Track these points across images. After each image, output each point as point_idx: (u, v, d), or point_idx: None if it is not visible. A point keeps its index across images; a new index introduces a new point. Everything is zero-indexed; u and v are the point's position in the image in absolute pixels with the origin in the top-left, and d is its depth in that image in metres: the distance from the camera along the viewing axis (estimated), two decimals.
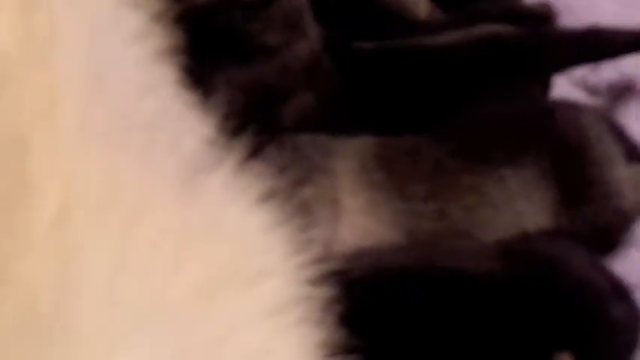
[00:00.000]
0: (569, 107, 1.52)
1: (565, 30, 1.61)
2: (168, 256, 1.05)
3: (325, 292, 1.18)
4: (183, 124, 1.24)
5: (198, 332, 1.04)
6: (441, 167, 1.45)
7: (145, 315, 1.00)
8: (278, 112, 1.47)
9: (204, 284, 1.07)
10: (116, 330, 0.97)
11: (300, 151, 1.42)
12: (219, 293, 1.08)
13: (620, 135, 1.49)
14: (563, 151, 1.46)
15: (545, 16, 1.60)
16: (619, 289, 1.41)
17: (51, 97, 1.04)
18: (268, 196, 1.18)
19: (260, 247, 1.16)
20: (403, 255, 1.41)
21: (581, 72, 1.60)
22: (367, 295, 1.35)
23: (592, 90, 1.61)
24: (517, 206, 1.44)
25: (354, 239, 1.42)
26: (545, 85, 1.55)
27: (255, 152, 1.21)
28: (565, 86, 1.59)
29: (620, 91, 1.61)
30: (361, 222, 1.43)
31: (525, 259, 1.41)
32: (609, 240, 1.49)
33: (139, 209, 1.06)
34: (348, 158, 1.45)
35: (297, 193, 1.27)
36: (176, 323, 1.02)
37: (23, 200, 0.98)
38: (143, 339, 0.99)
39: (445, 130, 1.48)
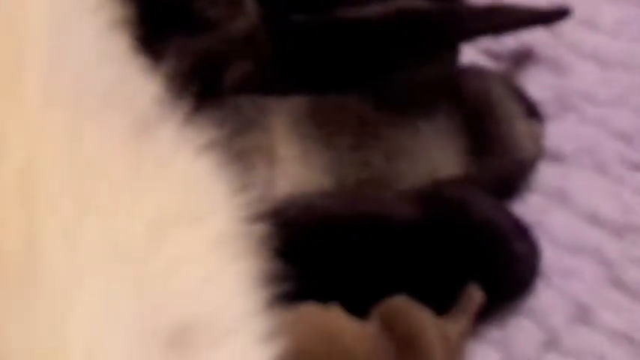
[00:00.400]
0: (477, 71, 1.55)
1: (472, 5, 1.63)
2: (124, 199, 1.06)
3: (261, 229, 1.19)
4: (135, 86, 1.23)
5: (151, 265, 1.05)
6: (364, 121, 1.47)
7: (104, 253, 1.01)
8: (221, 77, 1.49)
9: (156, 223, 1.08)
10: (78, 267, 0.98)
11: (240, 109, 1.45)
12: (170, 231, 1.09)
13: (519, 95, 1.53)
14: (472, 109, 1.48)
15: None
16: (520, 228, 1.45)
17: (16, 63, 1.05)
18: (211, 146, 1.19)
19: (204, 190, 1.18)
20: (331, 200, 1.43)
21: (486, 41, 1.63)
22: (299, 233, 1.37)
23: (495, 57, 1.64)
24: (431, 156, 1.47)
25: (288, 186, 1.44)
26: (456, 53, 1.58)
27: (199, 109, 1.22)
28: (472, 54, 1.62)
29: (519, 58, 1.64)
30: (294, 170, 1.45)
31: (439, 203, 1.43)
32: (511, 185, 1.52)
33: (98, 160, 1.06)
34: (282, 115, 1.47)
35: (237, 145, 1.33)
36: (132, 259, 1.03)
37: None
38: (103, 274, 0.99)
39: (368, 89, 1.50)
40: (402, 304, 1.36)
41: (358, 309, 1.36)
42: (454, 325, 1.37)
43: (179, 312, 1.05)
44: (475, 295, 1.39)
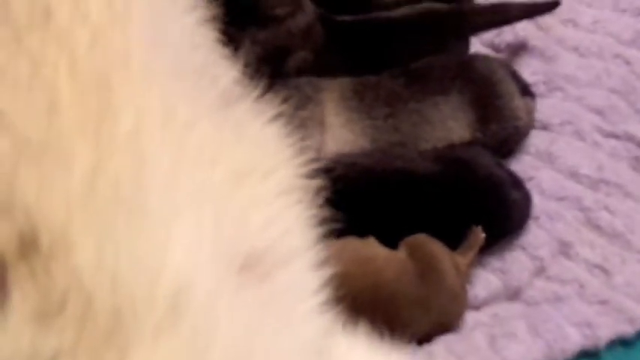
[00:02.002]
0: (483, 58, 1.55)
1: (477, 5, 1.63)
2: (209, 155, 1.07)
3: (316, 182, 1.21)
4: (219, 70, 1.24)
5: (230, 206, 1.06)
6: (395, 96, 1.48)
7: (193, 194, 1.01)
8: (285, 62, 1.50)
9: (235, 174, 1.09)
10: (174, 204, 0.99)
11: (299, 87, 1.46)
12: (245, 181, 1.10)
13: (516, 77, 1.52)
14: (478, 87, 1.48)
15: None
16: (516, 180, 1.46)
17: (126, 50, 1.05)
18: (277, 117, 1.21)
19: (272, 151, 1.18)
20: (369, 158, 1.44)
21: (489, 35, 1.63)
22: (345, 185, 1.37)
23: (496, 48, 1.64)
24: (447, 124, 1.47)
25: (336, 147, 1.45)
26: (466, 44, 1.58)
27: (268, 88, 1.23)
28: (479, 46, 1.62)
29: (516, 49, 1.63)
30: (341, 134, 1.46)
31: (453, 161, 1.44)
32: (509, 147, 1.52)
33: (189, 125, 1.07)
34: (332, 92, 1.48)
35: (297, 115, 1.34)
36: (215, 200, 1.04)
37: (108, 117, 0.98)
38: (192, 210, 1.00)
39: (398, 71, 1.50)
40: (423, 238, 1.38)
41: (389, 243, 1.38)
42: (463, 257, 1.38)
43: (251, 243, 1.06)
44: (478, 234, 1.39)
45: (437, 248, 1.37)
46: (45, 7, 1.01)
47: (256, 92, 1.21)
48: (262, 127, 1.19)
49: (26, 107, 0.95)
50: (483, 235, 1.39)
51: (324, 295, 1.10)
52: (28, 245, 0.88)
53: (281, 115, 1.21)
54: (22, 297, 0.86)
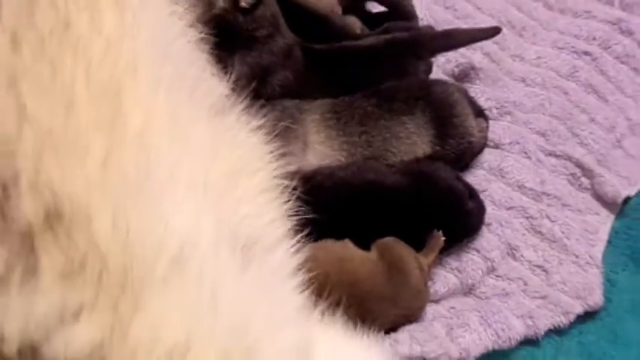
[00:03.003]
0: (442, 83, 1.53)
1: (434, 31, 1.62)
2: (207, 155, 1.08)
3: (293, 184, 1.21)
4: (211, 84, 1.25)
5: (225, 200, 1.07)
6: (368, 115, 1.46)
7: (194, 185, 1.02)
8: (269, 81, 1.47)
9: (227, 172, 1.10)
10: (177, 191, 1.00)
11: (285, 109, 1.44)
12: (235, 178, 1.11)
13: (471, 101, 1.51)
14: (439, 107, 1.46)
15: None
16: (471, 192, 1.44)
17: (134, 61, 1.05)
18: (261, 127, 1.21)
19: (257, 155, 1.19)
20: (345, 170, 1.42)
21: (450, 66, 1.61)
22: (323, 193, 1.37)
23: (456, 77, 1.62)
24: (412, 139, 1.45)
25: (315, 160, 1.43)
26: (427, 65, 1.56)
27: (257, 106, 1.24)
28: (440, 74, 1.60)
29: (472, 77, 1.62)
30: (321, 150, 1.44)
31: (417, 173, 1.42)
32: (465, 162, 1.51)
33: (189, 128, 1.08)
34: (313, 112, 1.46)
35: (283, 134, 1.30)
36: (213, 193, 1.05)
37: (119, 119, 0.99)
38: (193, 199, 1.01)
39: (369, 93, 1.48)
40: (392, 241, 1.36)
41: (362, 244, 1.36)
42: (425, 258, 1.37)
43: (246, 229, 1.07)
44: (439, 238, 1.38)
45: (404, 251, 1.35)
46: (65, 18, 1.02)
47: (243, 105, 1.21)
48: (248, 135, 1.19)
49: (48, 104, 0.95)
50: (443, 238, 1.38)
51: (301, 277, 1.11)
52: (53, 217, 0.90)
53: (264, 126, 1.21)
54: (49, 261, 0.88)
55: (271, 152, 1.21)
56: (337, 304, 1.17)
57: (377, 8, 1.66)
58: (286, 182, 1.20)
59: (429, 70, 1.56)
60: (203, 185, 1.04)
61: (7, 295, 0.86)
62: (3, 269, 0.87)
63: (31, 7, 1.01)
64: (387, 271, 1.33)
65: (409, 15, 1.62)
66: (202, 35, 1.28)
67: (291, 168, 1.25)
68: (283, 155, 1.22)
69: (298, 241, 1.16)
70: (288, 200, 1.19)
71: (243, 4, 1.45)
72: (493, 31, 1.58)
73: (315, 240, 1.25)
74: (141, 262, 0.91)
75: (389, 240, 1.36)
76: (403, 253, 1.35)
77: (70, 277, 0.88)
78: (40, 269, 0.87)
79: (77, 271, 0.88)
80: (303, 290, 1.12)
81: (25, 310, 0.86)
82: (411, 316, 1.37)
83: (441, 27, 1.65)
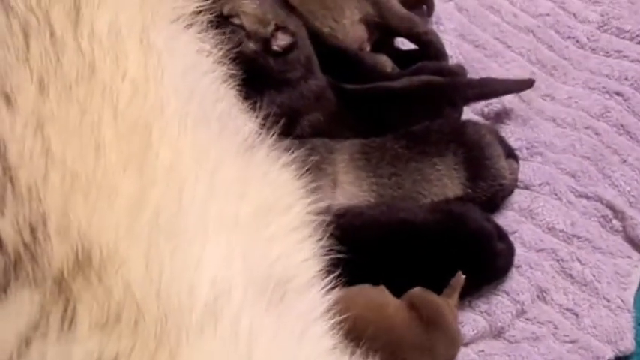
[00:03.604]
0: (473, 124, 1.50)
1: (469, 79, 1.60)
2: (236, 192, 1.07)
3: (326, 220, 1.20)
4: (240, 121, 1.24)
5: (255, 238, 1.06)
6: (398, 157, 1.43)
7: (224, 224, 1.02)
8: (299, 122, 1.45)
9: (258, 210, 1.08)
10: (208, 231, 0.99)
11: (315, 148, 1.41)
12: (266, 216, 1.10)
13: (502, 141, 1.48)
14: (470, 149, 1.44)
15: (459, 72, 1.59)
16: (501, 233, 1.42)
17: (161, 101, 1.06)
18: (291, 163, 1.20)
19: (287, 191, 1.17)
20: (375, 210, 1.40)
21: (480, 105, 1.58)
22: (353, 232, 1.34)
23: (486, 116, 1.59)
24: (443, 182, 1.43)
25: (345, 200, 1.41)
26: (459, 111, 1.54)
27: (286, 145, 1.24)
28: (470, 114, 1.57)
29: (502, 118, 1.59)
30: (350, 190, 1.42)
31: (447, 214, 1.40)
32: (496, 204, 1.48)
33: (219, 164, 1.07)
34: (343, 153, 1.43)
35: (312, 174, 1.27)
36: (243, 232, 1.04)
37: (148, 157, 0.99)
38: (223, 237, 1.00)
39: (400, 134, 1.46)
40: (423, 292, 1.33)
41: (390, 283, 1.33)
42: (451, 299, 1.34)
43: (278, 269, 1.05)
44: (460, 277, 1.34)
45: (438, 301, 1.32)
46: (90, 63, 1.04)
47: (272, 141, 1.21)
48: (279, 170, 1.18)
49: (75, 147, 0.96)
50: (464, 277, 1.34)
51: (333, 318, 1.10)
52: (83, 261, 0.90)
53: (294, 162, 1.20)
54: (85, 308, 0.88)
55: (303, 188, 1.19)
56: (373, 350, 1.16)
57: (407, 46, 1.64)
58: (319, 219, 1.19)
59: (460, 112, 1.54)
60: (233, 225, 1.03)
61: (45, 342, 0.86)
62: (38, 315, 0.87)
63: (57, 52, 1.03)
64: (424, 323, 1.30)
65: (439, 54, 1.59)
66: (230, 72, 1.27)
67: (323, 204, 1.23)
68: (314, 191, 1.21)
69: (330, 281, 1.14)
70: (321, 238, 1.18)
71: (275, 48, 1.43)
72: (528, 84, 1.56)
73: (346, 280, 1.22)
74: (176, 309, 0.90)
75: (420, 291, 1.33)
76: (439, 304, 1.32)
77: (106, 327, 0.87)
78: (76, 316, 0.87)
79: (114, 318, 0.88)
80: (335, 331, 1.10)
81: (63, 358, 0.85)
82: None
83: (470, 65, 1.63)
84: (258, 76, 1.41)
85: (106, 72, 1.04)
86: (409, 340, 1.29)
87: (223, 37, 1.30)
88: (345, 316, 1.13)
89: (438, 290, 1.34)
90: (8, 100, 0.98)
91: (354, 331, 1.16)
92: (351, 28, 1.57)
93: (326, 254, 1.18)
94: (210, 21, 1.30)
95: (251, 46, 1.42)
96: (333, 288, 1.14)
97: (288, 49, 1.44)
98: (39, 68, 1.01)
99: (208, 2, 1.30)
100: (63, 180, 0.93)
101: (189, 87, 1.14)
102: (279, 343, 0.98)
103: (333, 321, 1.10)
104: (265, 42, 1.43)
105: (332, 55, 1.53)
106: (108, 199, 0.94)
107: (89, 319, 0.87)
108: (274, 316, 1.00)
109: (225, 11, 1.41)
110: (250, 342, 0.93)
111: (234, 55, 1.32)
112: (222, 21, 1.38)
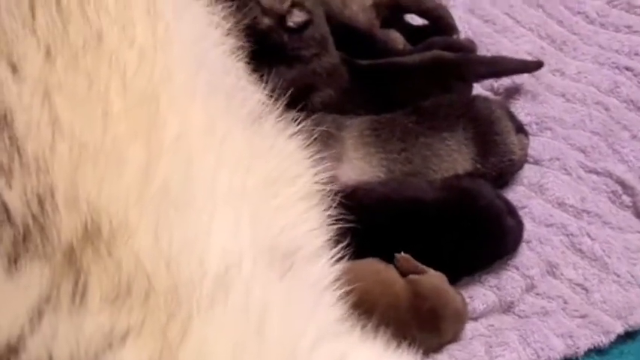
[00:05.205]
0: (483, 99, 1.48)
1: (480, 56, 1.59)
2: (244, 163, 1.05)
3: (332, 189, 1.19)
4: (248, 92, 1.23)
5: (263, 209, 1.05)
6: (408, 132, 1.42)
7: (232, 195, 1.00)
8: (310, 98, 1.44)
9: (265, 180, 1.07)
10: (216, 201, 0.97)
11: (324, 124, 1.37)
12: (274, 186, 1.09)
13: (511, 116, 1.47)
14: (480, 124, 1.42)
15: (469, 47, 1.59)
16: (511, 209, 1.40)
17: (170, 71, 1.04)
18: (298, 133, 1.19)
19: (294, 160, 1.16)
20: (385, 186, 1.39)
21: (489, 80, 1.57)
22: (364, 208, 1.33)
23: (495, 91, 1.58)
24: (452, 157, 1.41)
25: (355, 177, 1.39)
26: (470, 87, 1.53)
27: (295, 119, 1.22)
28: (480, 89, 1.56)
29: (512, 93, 1.57)
30: (360, 165, 1.40)
31: (457, 190, 1.38)
32: (505, 179, 1.46)
33: (226, 135, 1.05)
34: (352, 129, 1.41)
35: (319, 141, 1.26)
36: (250, 202, 1.02)
37: (157, 126, 0.98)
38: (231, 208, 0.99)
39: (410, 110, 1.44)
40: (424, 280, 1.32)
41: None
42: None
43: (286, 239, 1.05)
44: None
45: (439, 283, 1.32)
46: (97, 32, 1.03)
47: (280, 112, 1.20)
48: (286, 141, 1.17)
49: (83, 117, 0.95)
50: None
51: (341, 288, 1.09)
52: (92, 232, 0.88)
53: (302, 133, 1.20)
54: (96, 281, 0.86)
55: (310, 157, 1.18)
56: (383, 325, 1.14)
57: (417, 21, 1.63)
58: (327, 188, 1.18)
59: (470, 88, 1.53)
60: (241, 195, 1.01)
61: (56, 316, 0.84)
62: (49, 288, 0.85)
63: (63, 21, 1.02)
64: (428, 308, 1.30)
65: (450, 28, 1.59)
66: (239, 44, 1.27)
67: (331, 173, 1.22)
68: (322, 160, 1.20)
69: (338, 252, 1.13)
70: (329, 208, 1.17)
71: (290, 24, 1.42)
72: (536, 65, 1.55)
73: (355, 252, 1.20)
74: (186, 281, 0.89)
75: (418, 280, 1.31)
76: (440, 289, 1.31)
77: (116, 300, 0.86)
78: (87, 290, 0.86)
79: (124, 291, 0.87)
80: (343, 302, 1.10)
81: (75, 332, 0.84)
82: (452, 339, 1.33)
83: (479, 40, 1.62)
84: (269, 50, 1.40)
85: (113, 41, 1.02)
86: (414, 322, 1.29)
87: (232, 9, 1.29)
88: (352, 287, 1.12)
89: (446, 265, 1.33)
90: (15, 68, 0.97)
91: (360, 304, 1.15)
92: (361, 12, 1.55)
93: (334, 224, 1.17)
94: None
95: (266, 21, 1.41)
96: (340, 259, 1.13)
97: (304, 26, 1.43)
98: (45, 37, 0.99)
99: None
100: (71, 150, 0.91)
101: (197, 58, 1.13)
102: (290, 313, 0.96)
103: (341, 291, 1.09)
104: (281, 18, 1.42)
105: (344, 32, 1.52)
106: (116, 169, 0.92)
107: (100, 293, 0.86)
108: (284, 287, 0.99)
109: None
110: (262, 313, 0.91)
111: (245, 28, 1.31)
112: None
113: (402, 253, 1.32)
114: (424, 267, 1.32)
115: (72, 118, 0.93)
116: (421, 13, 1.60)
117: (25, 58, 0.97)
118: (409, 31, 1.60)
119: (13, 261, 0.86)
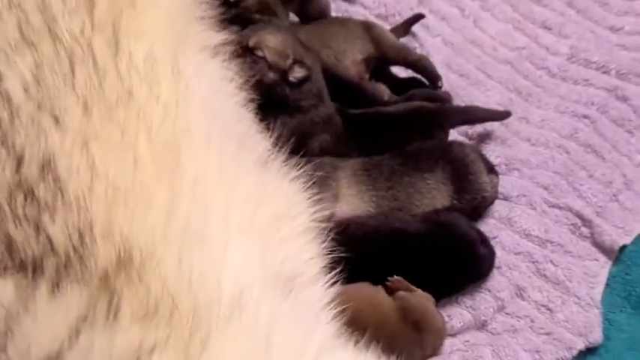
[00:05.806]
0: (459, 144, 1.54)
1: (455, 106, 1.62)
2: (253, 202, 1.08)
3: (328, 226, 1.22)
4: (257, 138, 1.26)
5: (270, 241, 1.07)
6: (394, 172, 1.46)
7: (242, 230, 1.03)
8: (309, 143, 1.47)
9: (271, 217, 1.10)
10: (228, 235, 1.00)
11: (322, 165, 1.41)
12: (279, 220, 1.11)
13: (484, 159, 1.50)
14: (456, 166, 1.47)
15: (446, 98, 1.61)
16: (483, 239, 1.44)
17: (189, 123, 1.07)
18: (299, 177, 1.21)
19: (296, 200, 1.19)
20: (374, 220, 1.43)
21: (464, 127, 1.60)
22: (355, 239, 1.35)
23: (469, 137, 1.60)
24: (432, 194, 1.44)
25: (348, 211, 1.42)
26: (447, 133, 1.55)
27: (295, 163, 1.25)
28: (456, 135, 1.59)
29: (483, 138, 1.61)
30: (353, 201, 1.43)
31: (437, 222, 1.41)
32: (479, 213, 1.50)
33: (238, 178, 1.08)
34: (346, 169, 1.45)
35: (317, 186, 1.29)
36: (259, 236, 1.05)
37: (178, 171, 1.01)
38: (242, 241, 1.01)
39: (396, 153, 1.49)
40: (410, 297, 1.34)
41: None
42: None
43: (288, 266, 1.07)
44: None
45: (424, 301, 1.34)
46: (128, 89, 1.05)
47: (284, 158, 1.22)
48: (289, 184, 1.19)
49: (116, 163, 0.97)
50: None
51: (335, 308, 1.11)
52: (125, 261, 0.92)
53: (302, 176, 1.22)
54: (127, 301, 0.90)
55: (309, 198, 1.21)
56: (374, 341, 1.17)
57: (403, 73, 1.67)
58: (322, 225, 1.20)
59: (447, 134, 1.56)
60: (250, 229, 1.04)
61: (92, 331, 0.88)
62: (85, 309, 0.89)
63: (99, 78, 1.04)
64: (413, 323, 1.32)
65: (434, 76, 1.62)
66: (250, 97, 1.29)
67: (327, 213, 1.24)
68: (319, 201, 1.22)
69: (333, 277, 1.16)
70: (325, 241, 1.19)
71: (291, 79, 1.46)
72: (505, 114, 1.58)
73: (348, 277, 1.23)
74: (205, 302, 0.91)
75: (409, 296, 1.34)
76: (425, 306, 1.34)
77: (146, 317, 0.89)
78: (120, 309, 0.88)
79: (152, 311, 0.89)
80: (338, 320, 1.12)
81: (108, 346, 0.87)
82: (433, 354, 1.36)
83: (455, 92, 1.65)
84: (274, 102, 1.44)
85: (142, 97, 1.05)
86: (401, 337, 1.31)
87: (244, 65, 1.33)
88: (344, 307, 1.14)
89: (428, 288, 1.36)
90: (57, 120, 1.00)
91: (353, 323, 1.18)
92: (352, 67, 1.59)
93: (329, 254, 1.19)
94: (233, 51, 1.33)
95: (271, 76, 1.45)
96: (335, 283, 1.16)
97: (303, 81, 1.47)
98: (83, 93, 1.02)
99: (233, 36, 1.33)
100: (106, 191, 0.95)
101: (214, 109, 1.15)
102: (293, 329, 0.99)
103: (335, 311, 1.11)
104: (283, 73, 1.46)
105: (338, 84, 1.55)
106: (144, 208, 0.95)
107: (130, 312, 0.89)
108: (288, 307, 1.02)
109: (251, 44, 1.44)
110: (270, 329, 0.94)
111: (254, 83, 1.35)
112: (244, 52, 1.42)
113: (395, 277, 1.35)
114: (414, 287, 1.35)
115: (106, 164, 0.97)
116: (407, 65, 1.64)
117: (66, 111, 1.00)
118: (394, 83, 1.63)
119: (56, 284, 0.90)
